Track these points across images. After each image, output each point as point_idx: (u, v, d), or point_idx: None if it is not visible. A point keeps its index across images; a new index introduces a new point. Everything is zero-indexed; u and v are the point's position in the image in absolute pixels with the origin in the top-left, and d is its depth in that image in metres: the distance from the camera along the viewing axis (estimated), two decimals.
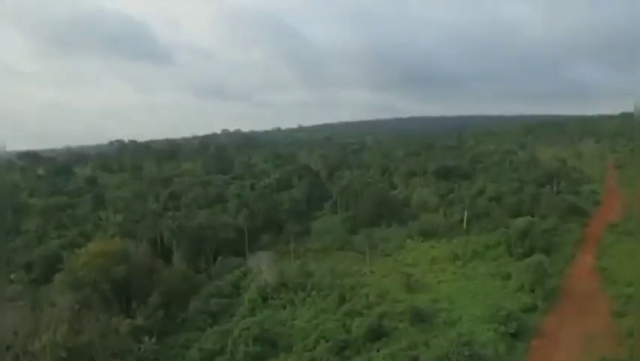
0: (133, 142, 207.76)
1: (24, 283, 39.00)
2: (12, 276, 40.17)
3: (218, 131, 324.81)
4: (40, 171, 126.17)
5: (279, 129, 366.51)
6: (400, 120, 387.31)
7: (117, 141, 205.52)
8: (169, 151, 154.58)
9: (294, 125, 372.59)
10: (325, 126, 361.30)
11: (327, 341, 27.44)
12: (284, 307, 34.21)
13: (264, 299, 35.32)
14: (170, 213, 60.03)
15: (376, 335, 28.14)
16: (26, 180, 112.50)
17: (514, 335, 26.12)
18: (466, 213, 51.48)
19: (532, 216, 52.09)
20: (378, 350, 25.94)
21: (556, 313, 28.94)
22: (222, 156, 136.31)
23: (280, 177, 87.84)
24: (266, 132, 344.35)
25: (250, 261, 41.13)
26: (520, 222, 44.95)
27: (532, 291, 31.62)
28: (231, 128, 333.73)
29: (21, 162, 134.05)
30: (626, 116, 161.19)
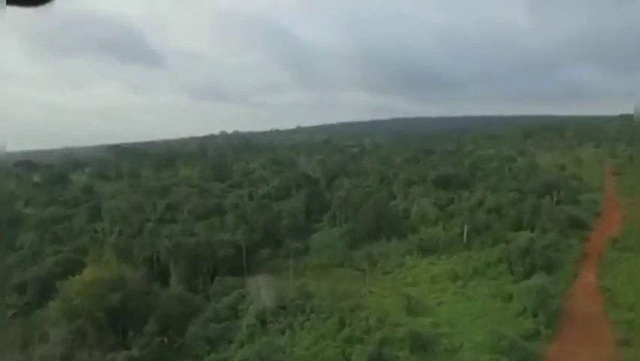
0: (130, 146, 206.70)
1: (17, 306, 38.30)
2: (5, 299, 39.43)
3: (217, 132, 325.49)
4: (37, 179, 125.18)
5: (277, 130, 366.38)
6: (398, 121, 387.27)
7: (115, 145, 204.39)
8: (167, 156, 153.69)
9: (293, 126, 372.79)
10: (324, 127, 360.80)
11: None
12: (283, 333, 33.64)
13: (263, 323, 34.75)
14: (167, 226, 59.34)
15: None
16: (22, 188, 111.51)
17: None
18: (466, 228, 51.03)
19: (533, 229, 52.04)
20: None
21: (559, 341, 28.51)
22: (220, 161, 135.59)
23: (279, 186, 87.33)
24: (264, 133, 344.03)
25: (249, 282, 40.63)
26: (521, 239, 44.76)
27: (535, 316, 31.24)
28: (229, 130, 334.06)
29: (17, 169, 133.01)
30: (625, 118, 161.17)
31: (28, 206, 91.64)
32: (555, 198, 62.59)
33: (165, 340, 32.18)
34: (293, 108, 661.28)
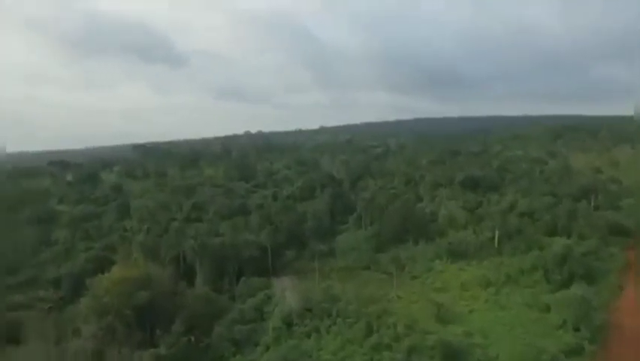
0: (154, 145, 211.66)
1: (53, 300, 39.54)
2: (41, 293, 40.81)
3: (240, 132, 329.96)
4: (69, 177, 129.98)
5: (300, 131, 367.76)
6: (420, 121, 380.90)
7: (140, 145, 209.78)
8: (191, 156, 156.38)
9: (316, 126, 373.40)
10: (347, 127, 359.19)
11: None
12: (309, 336, 33.10)
13: (289, 326, 34.33)
14: (193, 226, 59.86)
15: None
16: (56, 186, 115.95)
17: None
18: (497, 232, 49.04)
19: (569, 235, 49.44)
20: None
21: (605, 359, 26.66)
22: (244, 161, 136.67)
23: (303, 186, 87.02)
24: (287, 133, 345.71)
25: (275, 284, 40.33)
26: (557, 245, 42.53)
27: (577, 330, 29.41)
28: (253, 130, 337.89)
29: (51, 168, 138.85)
30: None
31: (62, 203, 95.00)
32: (593, 203, 59.44)
33: (192, 339, 32.23)
34: (314, 108, 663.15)
